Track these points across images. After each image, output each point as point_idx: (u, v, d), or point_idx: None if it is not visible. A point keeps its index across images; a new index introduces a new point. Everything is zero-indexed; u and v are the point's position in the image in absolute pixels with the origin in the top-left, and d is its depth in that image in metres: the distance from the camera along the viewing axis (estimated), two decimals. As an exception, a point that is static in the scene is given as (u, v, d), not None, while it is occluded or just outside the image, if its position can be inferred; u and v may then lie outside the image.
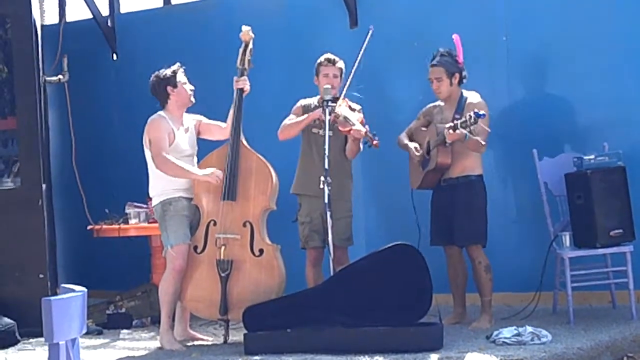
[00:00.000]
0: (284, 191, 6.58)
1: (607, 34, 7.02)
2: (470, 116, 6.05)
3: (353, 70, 6.52)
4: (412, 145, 6.63)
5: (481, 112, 6.04)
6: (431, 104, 6.73)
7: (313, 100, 6.62)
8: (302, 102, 6.68)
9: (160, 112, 6.46)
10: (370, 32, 6.59)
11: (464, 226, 6.40)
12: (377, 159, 7.13)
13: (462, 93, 6.52)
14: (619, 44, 6.99)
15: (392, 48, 7.57)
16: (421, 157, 6.56)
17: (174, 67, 6.49)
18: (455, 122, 6.17)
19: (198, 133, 6.60)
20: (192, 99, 6.50)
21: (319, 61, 6.64)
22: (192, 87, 6.51)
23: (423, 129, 6.70)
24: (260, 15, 8.13)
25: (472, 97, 6.50)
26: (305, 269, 6.61)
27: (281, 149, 6.92)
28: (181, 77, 6.47)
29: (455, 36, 6.55)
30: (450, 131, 6.16)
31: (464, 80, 6.53)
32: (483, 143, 6.30)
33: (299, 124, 6.54)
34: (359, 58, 6.55)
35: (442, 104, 6.63)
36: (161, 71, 6.50)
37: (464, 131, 6.11)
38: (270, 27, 8.03)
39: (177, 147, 6.38)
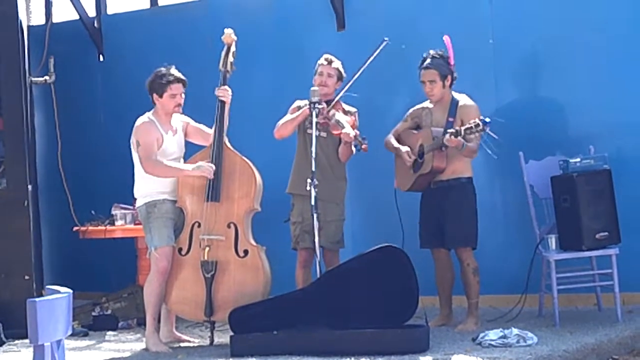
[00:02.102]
0: (276, 192, 6.59)
1: (593, 38, 7.03)
2: (478, 124, 6.03)
3: (355, 77, 6.52)
4: (404, 149, 6.57)
5: (487, 120, 6.04)
6: (419, 106, 6.72)
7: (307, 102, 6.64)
8: (298, 102, 6.68)
9: (150, 115, 6.41)
10: (385, 43, 6.54)
11: (455, 228, 6.40)
12: (362, 160, 7.11)
13: (453, 95, 6.51)
14: (605, 47, 7.00)
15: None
16: (413, 161, 6.54)
17: (171, 77, 6.33)
18: (458, 128, 6.16)
19: (185, 135, 6.57)
20: (179, 111, 6.43)
21: (318, 61, 6.67)
22: (181, 102, 6.39)
23: (414, 131, 6.68)
24: (248, 17, 8.13)
25: (463, 99, 6.49)
26: (295, 270, 6.60)
27: (271, 149, 6.91)
28: (173, 89, 6.33)
29: (446, 37, 6.53)
30: (452, 137, 6.14)
31: (454, 82, 6.54)
32: (476, 149, 6.31)
33: (293, 121, 6.54)
34: (364, 66, 6.54)
35: (430, 106, 6.61)
36: (161, 72, 6.37)
37: (462, 140, 6.10)
38: (257, 29, 8.03)
39: (164, 152, 6.35)
